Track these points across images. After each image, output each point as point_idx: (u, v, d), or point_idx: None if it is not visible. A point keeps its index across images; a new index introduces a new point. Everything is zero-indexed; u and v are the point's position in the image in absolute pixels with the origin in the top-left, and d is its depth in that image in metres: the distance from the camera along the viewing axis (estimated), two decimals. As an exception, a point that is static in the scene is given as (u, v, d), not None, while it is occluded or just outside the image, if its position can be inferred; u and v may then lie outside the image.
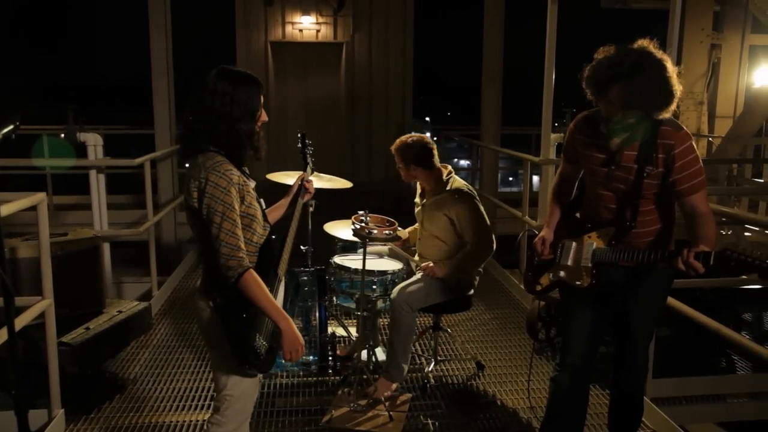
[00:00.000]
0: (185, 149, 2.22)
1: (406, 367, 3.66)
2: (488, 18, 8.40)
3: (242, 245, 2.12)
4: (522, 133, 10.48)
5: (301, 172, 2.77)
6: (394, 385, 3.67)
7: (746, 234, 7.75)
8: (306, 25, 10.00)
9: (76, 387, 3.49)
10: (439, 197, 3.68)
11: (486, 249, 3.64)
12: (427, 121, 27.62)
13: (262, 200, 2.33)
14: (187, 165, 2.24)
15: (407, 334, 3.61)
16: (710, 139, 9.74)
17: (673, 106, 2.32)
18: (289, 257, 2.43)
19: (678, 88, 2.31)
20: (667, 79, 2.29)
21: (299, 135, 2.95)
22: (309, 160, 2.87)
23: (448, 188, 3.67)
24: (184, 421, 3.45)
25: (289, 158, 9.10)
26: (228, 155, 2.17)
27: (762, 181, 8.32)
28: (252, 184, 2.27)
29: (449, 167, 3.81)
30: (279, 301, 2.40)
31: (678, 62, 3.21)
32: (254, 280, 2.11)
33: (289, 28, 10.04)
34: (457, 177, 3.76)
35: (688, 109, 9.59)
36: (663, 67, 2.29)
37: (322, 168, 3.70)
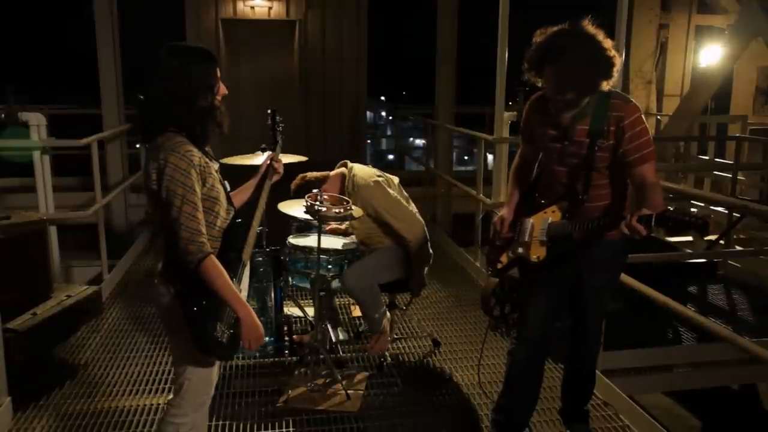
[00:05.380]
0: (144, 133, 2.13)
1: (385, 316, 3.80)
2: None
3: (203, 229, 2.04)
4: (476, 112, 10.53)
5: (258, 153, 2.70)
6: (389, 337, 3.85)
7: (692, 210, 7.98)
8: (258, 2, 9.79)
9: (23, 374, 3.39)
10: (352, 199, 3.68)
11: (413, 232, 3.70)
12: (383, 100, 27.54)
13: (226, 182, 2.25)
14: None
15: (373, 298, 3.71)
16: (658, 117, 9.97)
17: (614, 78, 2.36)
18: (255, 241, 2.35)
19: (616, 60, 2.34)
20: (598, 53, 2.31)
21: (269, 112, 2.84)
22: (279, 138, 2.75)
23: (352, 188, 3.75)
24: (138, 405, 3.40)
25: (242, 140, 8.97)
26: (189, 135, 2.08)
27: (707, 158, 8.55)
28: (215, 165, 2.19)
29: (348, 163, 3.88)
30: (244, 286, 2.32)
31: (627, 41, 3.25)
32: (214, 266, 2.04)
33: (240, 5, 9.80)
34: (356, 168, 3.83)
35: (637, 87, 9.78)
36: (593, 42, 2.31)
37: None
